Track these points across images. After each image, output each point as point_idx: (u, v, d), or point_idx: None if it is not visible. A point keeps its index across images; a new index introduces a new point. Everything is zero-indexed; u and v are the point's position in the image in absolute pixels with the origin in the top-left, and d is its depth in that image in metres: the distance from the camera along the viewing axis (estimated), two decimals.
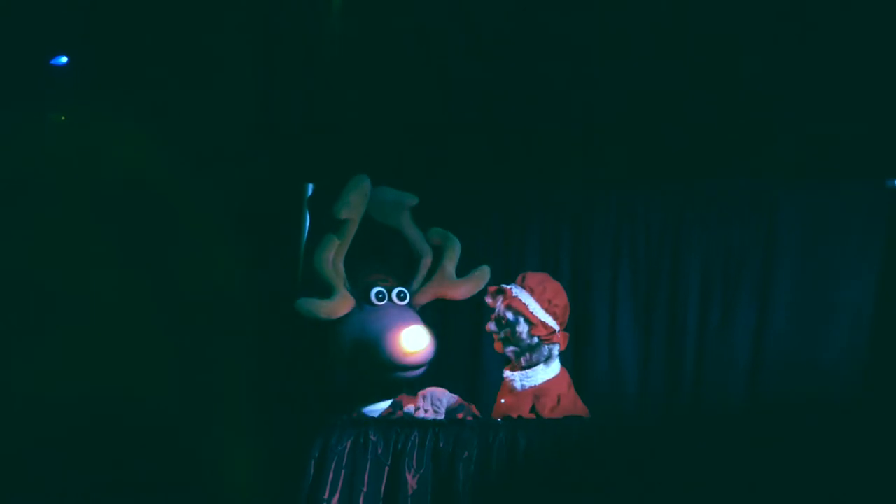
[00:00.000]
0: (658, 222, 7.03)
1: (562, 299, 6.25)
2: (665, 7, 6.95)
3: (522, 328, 6.18)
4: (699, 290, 6.95)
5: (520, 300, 6.17)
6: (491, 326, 6.25)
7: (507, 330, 6.19)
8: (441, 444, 5.77)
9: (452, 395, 6.33)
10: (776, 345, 6.83)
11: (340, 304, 6.41)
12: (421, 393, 6.31)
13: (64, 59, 6.70)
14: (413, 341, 6.28)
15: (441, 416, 6.19)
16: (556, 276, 6.56)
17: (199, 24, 6.67)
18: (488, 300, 6.25)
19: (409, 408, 6.25)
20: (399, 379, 6.35)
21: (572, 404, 6.17)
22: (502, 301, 6.19)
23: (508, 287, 6.21)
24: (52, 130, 1.35)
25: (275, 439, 5.80)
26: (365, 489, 5.73)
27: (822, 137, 6.86)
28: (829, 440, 5.61)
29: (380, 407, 6.36)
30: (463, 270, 6.58)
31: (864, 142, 6.79)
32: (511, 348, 6.21)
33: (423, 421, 5.94)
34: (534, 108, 7.13)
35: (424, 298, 6.56)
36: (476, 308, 6.97)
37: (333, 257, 6.43)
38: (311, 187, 7.25)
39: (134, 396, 1.27)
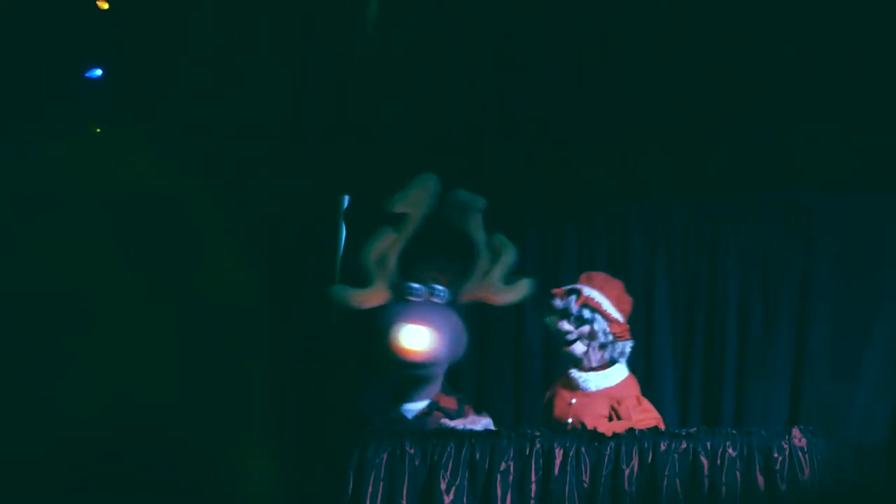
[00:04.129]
0: (695, 235, 6.98)
1: (627, 297, 6.33)
2: (702, 19, 6.90)
3: (600, 325, 6.19)
4: (737, 305, 6.90)
5: (594, 298, 6.17)
6: (565, 325, 6.23)
7: (584, 328, 6.17)
8: (477, 456, 5.74)
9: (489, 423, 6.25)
10: (818, 360, 6.76)
11: (373, 295, 6.38)
12: (460, 419, 6.23)
13: (98, 72, 6.72)
14: (410, 339, 6.21)
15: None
16: None
17: (233, 39, 6.67)
18: (557, 302, 6.23)
19: (447, 423, 6.17)
20: (416, 376, 6.28)
21: (651, 406, 6.15)
22: (576, 300, 6.18)
23: (580, 287, 6.21)
24: (84, 142, 1.32)
25: (310, 449, 5.78)
26: (404, 502, 5.70)
27: (863, 148, 6.77)
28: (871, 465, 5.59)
29: (417, 406, 6.29)
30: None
31: None
32: (585, 348, 6.19)
33: (460, 432, 5.90)
34: (568, 119, 7.08)
35: (467, 297, 6.48)
36: (518, 314, 6.93)
37: (386, 250, 6.39)
38: (346, 199, 7.24)
39: (149, 405, 1.23)
